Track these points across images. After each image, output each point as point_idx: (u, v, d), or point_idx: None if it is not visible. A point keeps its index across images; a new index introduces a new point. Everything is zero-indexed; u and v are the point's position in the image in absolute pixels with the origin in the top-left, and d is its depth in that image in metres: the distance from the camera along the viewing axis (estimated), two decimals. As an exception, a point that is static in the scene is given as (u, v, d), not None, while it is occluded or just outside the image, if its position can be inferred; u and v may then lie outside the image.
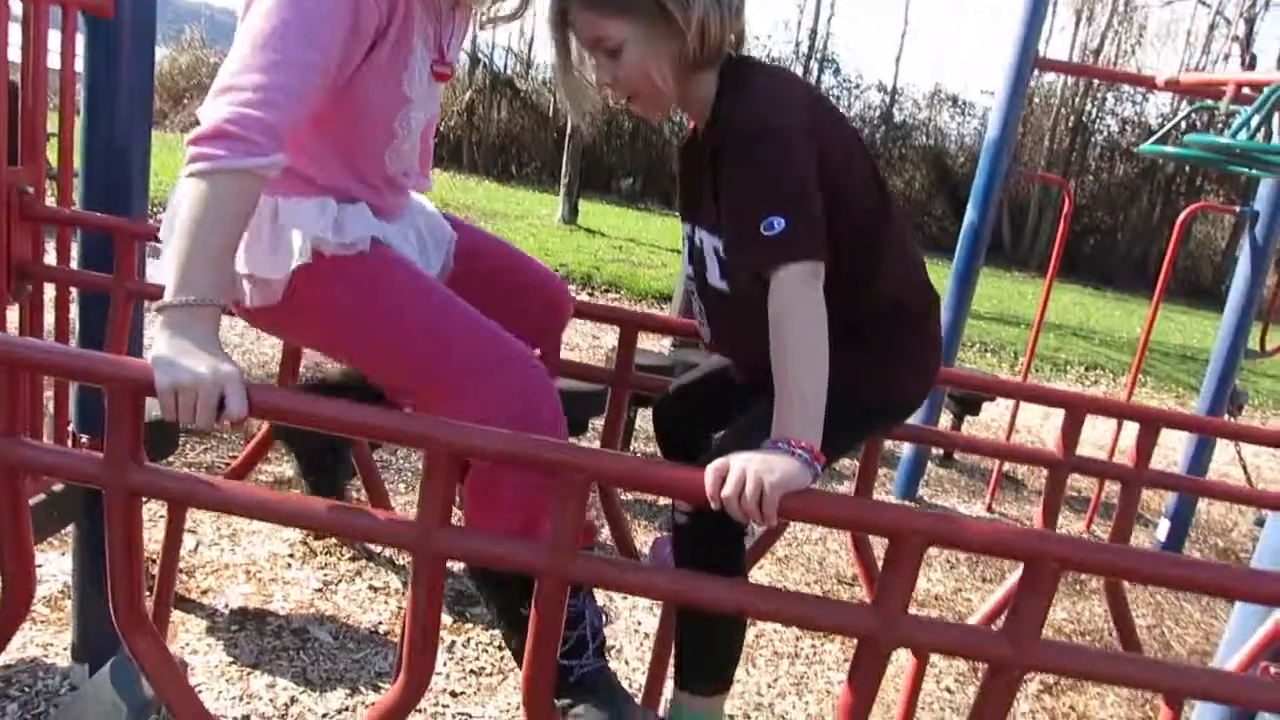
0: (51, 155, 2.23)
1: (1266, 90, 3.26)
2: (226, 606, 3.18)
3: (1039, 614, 1.03)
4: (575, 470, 1.04)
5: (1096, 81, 19.46)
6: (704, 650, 1.36)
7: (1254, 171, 4.44)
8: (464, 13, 1.52)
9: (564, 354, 1.89)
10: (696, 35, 1.29)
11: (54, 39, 2.11)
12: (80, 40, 2.13)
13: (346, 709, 2.75)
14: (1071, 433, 1.88)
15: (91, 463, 1.14)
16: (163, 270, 1.49)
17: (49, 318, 2.25)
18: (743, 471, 1.07)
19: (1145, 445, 1.86)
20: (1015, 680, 1.07)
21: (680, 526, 1.33)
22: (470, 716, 2.81)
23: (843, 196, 1.31)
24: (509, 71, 21.92)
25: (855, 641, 1.08)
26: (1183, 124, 4.50)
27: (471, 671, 3.00)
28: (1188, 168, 18.72)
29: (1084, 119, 19.81)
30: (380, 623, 3.23)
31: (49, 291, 2.24)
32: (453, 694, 2.89)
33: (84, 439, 2.37)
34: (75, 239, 2.35)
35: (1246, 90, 3.94)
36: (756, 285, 1.24)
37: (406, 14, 1.36)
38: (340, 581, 3.47)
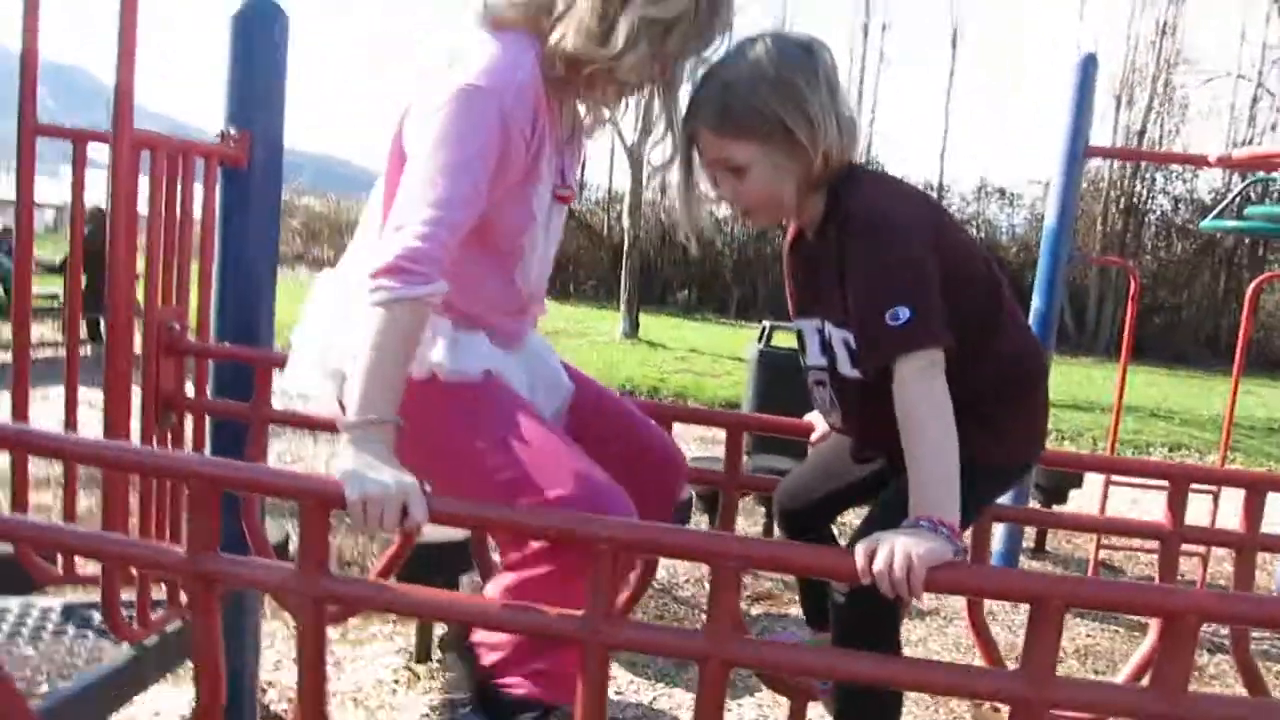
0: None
1: (1326, 161, 3.32)
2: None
3: (1185, 668, 1.07)
4: (731, 559, 1.12)
5: (1144, 163, 19.53)
6: None
7: (1323, 239, 4.45)
8: (580, 139, 1.68)
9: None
10: (821, 161, 1.41)
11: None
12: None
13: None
14: (1178, 503, 1.90)
15: (285, 573, 1.25)
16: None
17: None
18: (891, 548, 1.15)
19: (1254, 509, 1.88)
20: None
21: (839, 606, 1.39)
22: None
23: (963, 280, 1.41)
24: (562, 195, 22.77)
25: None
26: (1238, 198, 4.55)
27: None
28: (1248, 240, 18.49)
29: (1135, 200, 19.81)
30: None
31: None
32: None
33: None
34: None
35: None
36: (885, 372, 1.34)
37: (542, 143, 1.51)
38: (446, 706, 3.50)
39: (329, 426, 2.32)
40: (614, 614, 1.17)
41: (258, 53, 2.42)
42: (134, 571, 2.18)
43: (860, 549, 1.17)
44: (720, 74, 1.46)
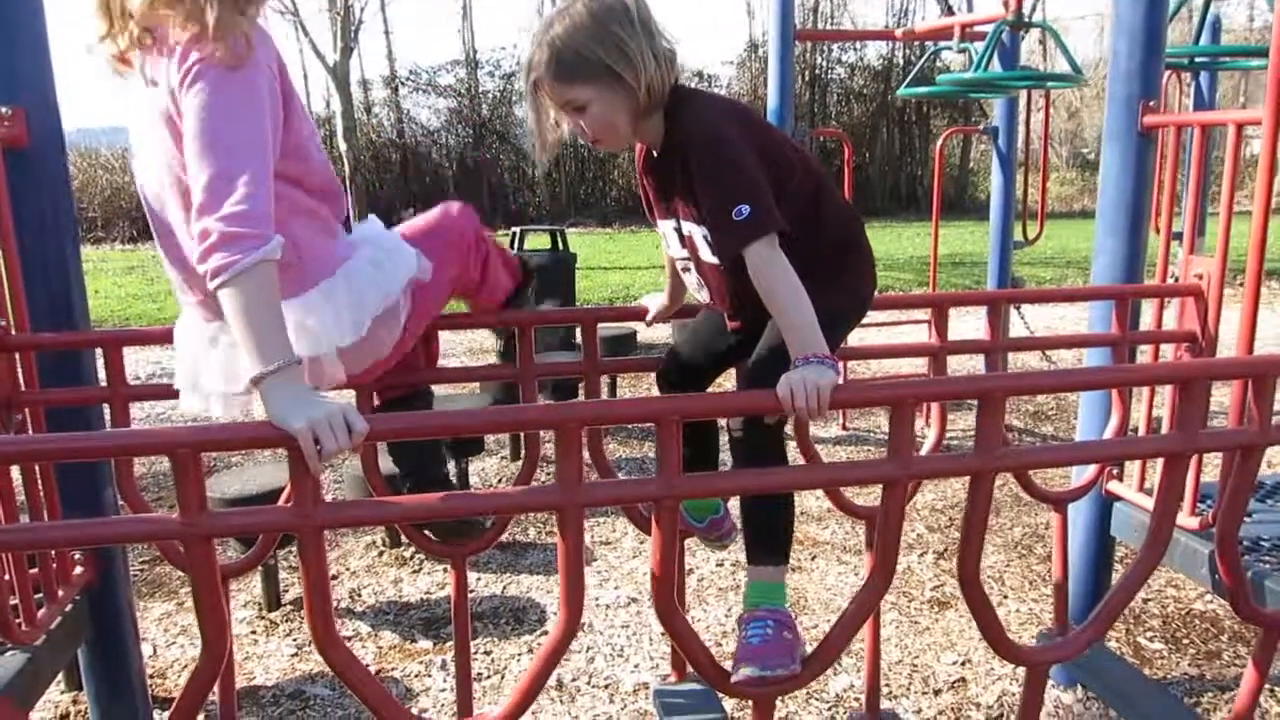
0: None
1: (993, 28, 3.98)
2: (214, 695, 3.26)
3: (908, 437, 1.50)
4: (675, 413, 1.41)
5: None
6: (768, 531, 1.74)
7: (990, 95, 5.28)
8: None
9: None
10: (645, 92, 1.70)
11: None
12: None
13: (377, 740, 2.94)
14: (943, 324, 2.40)
15: (281, 513, 1.38)
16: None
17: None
18: (801, 384, 1.49)
19: (997, 321, 2.42)
20: (990, 484, 1.54)
21: (739, 439, 1.71)
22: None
23: (783, 170, 1.74)
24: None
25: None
26: (924, 67, 5.26)
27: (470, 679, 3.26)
28: (914, 100, 20.69)
29: (817, 72, 21.46)
30: (368, 664, 3.41)
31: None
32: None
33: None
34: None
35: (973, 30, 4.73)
36: (739, 257, 1.66)
37: (281, 65, 1.65)
38: (312, 642, 3.60)
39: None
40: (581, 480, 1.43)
41: (13, 20, 2.28)
42: (8, 576, 2.14)
43: (779, 390, 1.50)
44: (550, 31, 1.72)
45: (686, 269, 1.94)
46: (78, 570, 2.44)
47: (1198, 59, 4.18)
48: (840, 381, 1.52)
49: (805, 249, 1.68)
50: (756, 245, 1.63)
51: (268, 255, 1.44)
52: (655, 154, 1.85)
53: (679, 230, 1.87)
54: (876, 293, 1.99)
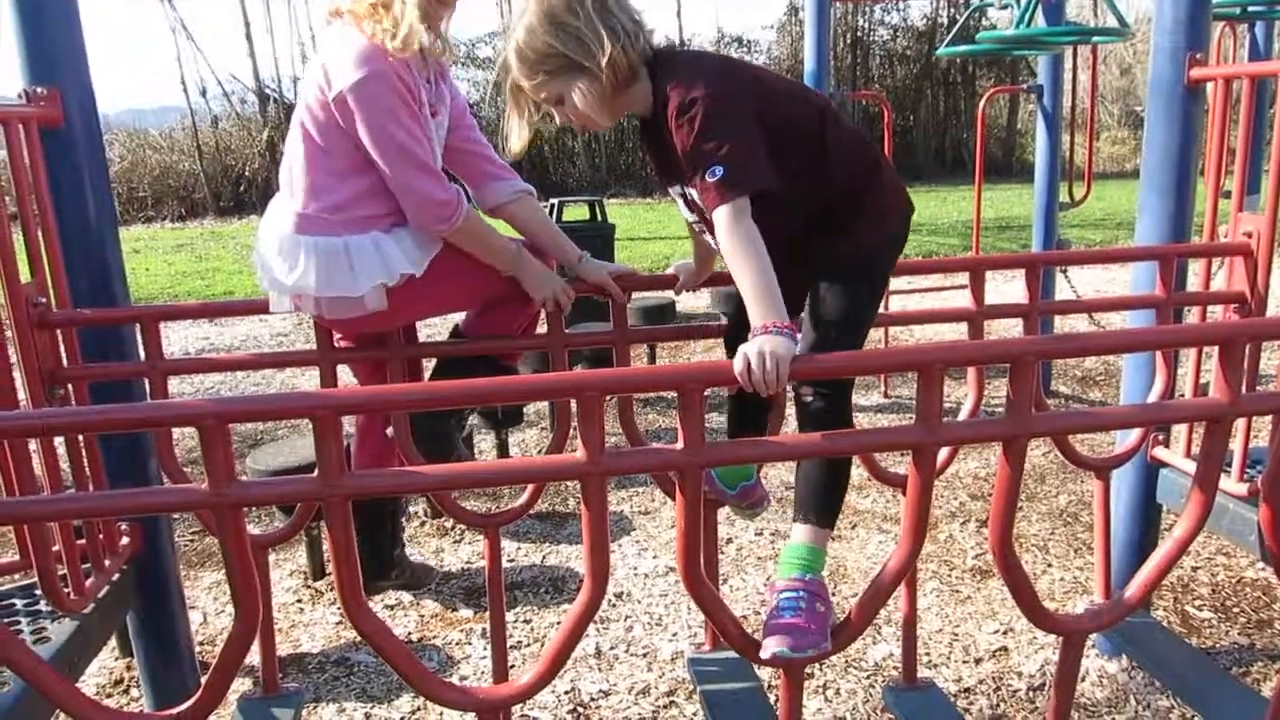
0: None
1: (1033, -16, 3.86)
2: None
3: (937, 403, 1.46)
4: (694, 381, 1.40)
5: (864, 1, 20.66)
6: (822, 490, 1.73)
7: (1033, 52, 5.14)
8: (439, 71, 2.21)
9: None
10: (609, 72, 1.70)
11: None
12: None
13: (419, 708, 2.99)
14: (979, 288, 2.35)
15: (306, 483, 1.40)
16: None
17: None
18: (758, 354, 1.46)
19: (1034, 283, 2.36)
20: (1022, 450, 1.51)
21: (806, 404, 1.70)
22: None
23: (789, 120, 1.73)
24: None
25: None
26: (964, 25, 5.12)
27: (510, 647, 3.30)
28: (959, 61, 20.20)
29: (859, 34, 21.03)
30: (409, 634, 3.46)
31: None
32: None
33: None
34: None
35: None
36: None
37: (415, 80, 2.03)
38: (354, 610, 3.67)
39: (224, 365, 2.39)
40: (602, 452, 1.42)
41: (46, 1, 2.31)
42: (56, 546, 2.20)
43: (736, 361, 1.48)
44: (511, 36, 1.76)
45: (702, 231, 1.93)
46: (124, 541, 2.50)
47: (1251, 8, 4.01)
48: (793, 348, 1.49)
49: (820, 188, 1.65)
50: (723, 209, 1.60)
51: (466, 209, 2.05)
52: (649, 121, 1.84)
53: (683, 195, 1.86)
54: (920, 256, 1.95)
